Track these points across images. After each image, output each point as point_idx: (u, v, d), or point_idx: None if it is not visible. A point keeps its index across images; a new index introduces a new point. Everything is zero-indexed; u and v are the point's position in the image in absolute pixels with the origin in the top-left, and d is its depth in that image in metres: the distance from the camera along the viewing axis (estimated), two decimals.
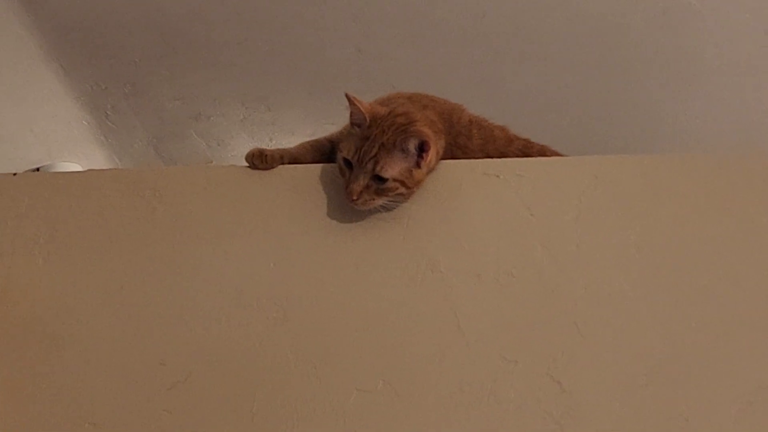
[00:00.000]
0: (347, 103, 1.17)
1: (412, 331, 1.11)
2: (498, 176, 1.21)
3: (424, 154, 1.11)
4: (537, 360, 1.12)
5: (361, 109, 1.12)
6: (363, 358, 1.10)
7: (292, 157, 1.23)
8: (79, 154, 2.84)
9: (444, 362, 1.10)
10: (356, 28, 2.39)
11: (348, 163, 1.08)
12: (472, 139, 1.28)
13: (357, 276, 1.16)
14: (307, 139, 1.38)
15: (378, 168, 1.08)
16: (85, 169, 2.64)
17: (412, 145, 1.10)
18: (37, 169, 2.78)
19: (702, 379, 1.14)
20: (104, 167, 2.88)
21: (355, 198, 1.08)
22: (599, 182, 1.32)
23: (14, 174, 1.45)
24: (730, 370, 1.16)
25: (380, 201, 1.10)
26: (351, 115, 1.18)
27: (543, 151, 1.37)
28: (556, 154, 1.40)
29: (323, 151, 1.25)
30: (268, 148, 1.25)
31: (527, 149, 1.36)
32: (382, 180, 1.08)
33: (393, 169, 1.09)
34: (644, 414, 1.11)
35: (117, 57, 2.55)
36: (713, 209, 1.31)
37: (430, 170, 1.12)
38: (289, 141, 2.04)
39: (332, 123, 1.78)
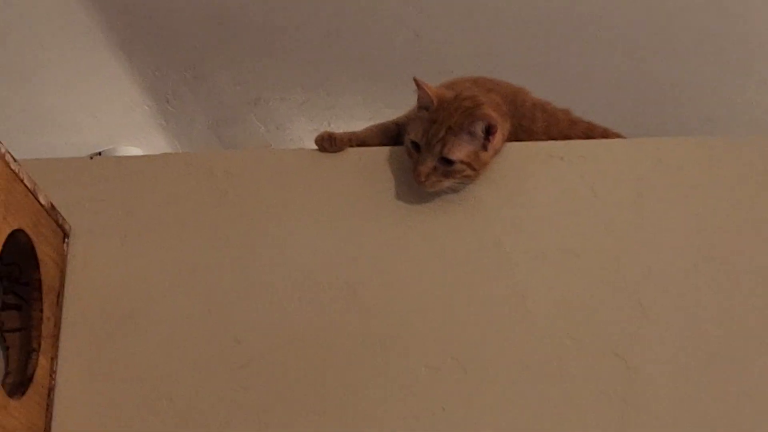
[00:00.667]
0: (413, 88, 1.20)
1: (479, 309, 1.13)
2: (562, 158, 1.22)
3: (490, 137, 1.13)
4: (602, 338, 1.14)
5: (429, 92, 1.14)
6: (431, 336, 1.12)
7: (360, 140, 1.26)
8: (140, 138, 2.92)
9: (510, 340, 1.12)
10: (414, 13, 2.37)
11: (416, 145, 1.11)
12: (536, 122, 1.29)
13: (424, 256, 1.19)
14: (366, 123, 1.41)
15: (446, 150, 1.11)
16: (146, 153, 2.86)
17: (479, 128, 1.13)
18: (99, 154, 2.90)
19: (764, 357, 1.14)
20: (165, 151, 2.93)
21: (423, 179, 1.11)
22: (662, 164, 1.32)
23: (91, 157, 1.50)
24: None
25: (447, 183, 1.13)
26: (419, 99, 1.21)
27: (606, 134, 1.38)
28: (618, 136, 1.39)
29: (390, 134, 1.28)
30: (337, 131, 1.28)
31: (590, 132, 1.36)
32: (449, 162, 1.11)
33: (460, 151, 1.12)
34: (707, 391, 1.12)
35: (178, 43, 2.59)
36: None
37: (496, 152, 1.14)
38: (348, 125, 2.06)
39: (391, 107, 1.81)
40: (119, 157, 1.73)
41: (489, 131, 1.11)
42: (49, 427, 1.15)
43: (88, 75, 2.70)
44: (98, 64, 2.64)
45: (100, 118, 2.85)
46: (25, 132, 2.89)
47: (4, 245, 1.00)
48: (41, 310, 1.13)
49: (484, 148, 1.12)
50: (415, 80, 1.20)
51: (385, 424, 1.10)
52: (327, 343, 1.14)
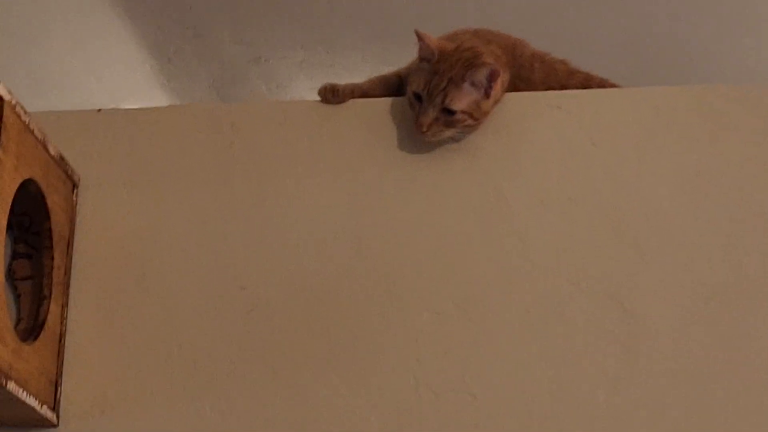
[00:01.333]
0: (412, 44, 1.22)
1: (481, 256, 1.17)
2: (560, 107, 1.25)
3: (492, 84, 1.15)
4: (600, 283, 1.16)
5: (431, 44, 1.17)
6: (434, 283, 1.15)
7: (362, 92, 1.29)
8: (142, 97, 2.91)
9: (511, 286, 1.15)
10: None
11: (418, 96, 1.14)
12: (534, 72, 1.32)
13: (427, 205, 1.21)
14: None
15: (447, 101, 1.13)
16: None
17: (480, 76, 1.15)
18: (101, 110, 3.11)
19: (763, 300, 1.17)
20: None
21: (425, 130, 1.14)
22: (659, 112, 1.36)
23: (98, 110, 1.53)
24: None
25: (449, 132, 1.16)
26: (420, 51, 1.23)
27: (602, 84, 1.41)
28: (615, 86, 1.43)
29: (392, 86, 1.31)
30: (340, 83, 1.31)
31: (587, 82, 1.38)
32: (451, 112, 1.14)
33: (461, 101, 1.15)
34: (706, 334, 1.15)
35: (179, 1, 2.61)
36: None
37: (496, 102, 1.16)
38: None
39: (389, 64, 1.85)
40: (127, 109, 1.63)
41: (490, 78, 1.13)
42: (61, 371, 1.19)
43: (90, 36, 2.73)
44: (100, 25, 2.68)
45: (102, 78, 2.87)
46: (30, 92, 2.94)
47: (16, 195, 1.03)
48: (52, 259, 1.16)
49: (486, 95, 1.14)
50: (416, 32, 1.22)
51: (390, 367, 1.13)
52: (333, 290, 1.17)
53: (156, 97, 3.00)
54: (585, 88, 1.36)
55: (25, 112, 1.06)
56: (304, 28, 2.71)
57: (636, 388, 1.18)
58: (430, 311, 1.15)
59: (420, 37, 1.20)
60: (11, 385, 0.99)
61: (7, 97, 1.03)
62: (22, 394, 1.03)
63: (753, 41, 2.71)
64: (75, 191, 1.26)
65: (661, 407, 1.20)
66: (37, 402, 1.08)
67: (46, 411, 1.11)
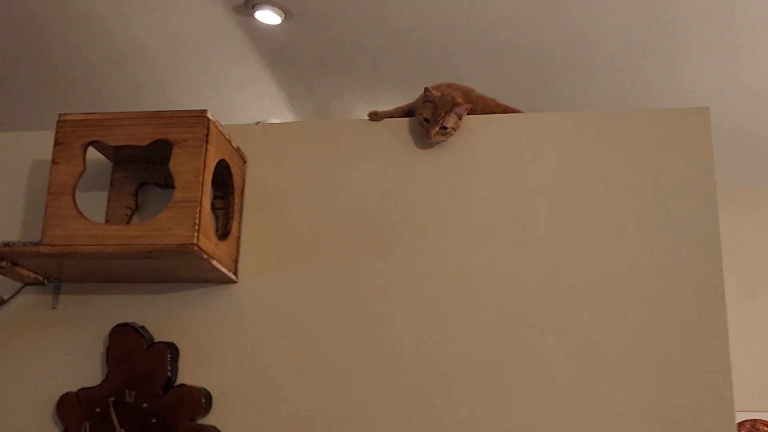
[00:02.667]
0: (420, 86, 1.86)
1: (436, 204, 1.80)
2: (486, 128, 1.90)
3: (463, 114, 1.79)
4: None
5: (434, 93, 1.79)
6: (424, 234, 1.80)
7: (390, 115, 1.96)
8: (278, 115, 3.95)
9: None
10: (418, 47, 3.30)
11: (426, 120, 1.78)
12: (478, 106, 1.91)
13: (428, 179, 1.87)
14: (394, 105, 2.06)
15: (443, 122, 1.76)
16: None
17: (460, 110, 1.77)
18: (257, 124, 3.72)
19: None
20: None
21: (432, 137, 1.77)
22: (549, 131, 1.95)
23: (257, 123, 2.29)
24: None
25: (442, 138, 1.80)
26: (426, 96, 1.85)
27: (514, 110, 2.01)
28: (517, 111, 2.03)
29: (406, 112, 1.95)
30: (379, 110, 2.00)
31: (505, 110, 2.01)
32: (444, 128, 1.77)
33: (449, 122, 1.76)
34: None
35: (302, 63, 3.58)
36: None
37: (461, 122, 1.83)
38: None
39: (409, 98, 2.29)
40: (273, 123, 2.36)
41: (463, 111, 1.80)
42: (238, 255, 1.85)
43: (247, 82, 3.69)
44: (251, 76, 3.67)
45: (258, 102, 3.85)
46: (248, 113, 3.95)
47: (216, 167, 1.69)
48: (233, 199, 1.85)
49: (459, 119, 1.78)
50: (426, 88, 1.86)
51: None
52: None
53: (285, 117, 3.98)
54: (503, 112, 1.99)
55: (219, 125, 1.71)
56: (369, 85, 3.55)
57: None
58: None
59: (428, 90, 1.84)
60: (214, 262, 1.62)
61: (211, 117, 1.66)
62: (219, 266, 1.66)
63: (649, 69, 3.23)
64: (245, 165, 1.91)
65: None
66: (226, 270, 1.71)
67: (231, 275, 1.75)
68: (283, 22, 3.24)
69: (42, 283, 1.93)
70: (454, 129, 1.83)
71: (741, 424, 4.09)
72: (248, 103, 3.93)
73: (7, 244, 1.72)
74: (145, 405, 1.79)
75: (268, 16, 3.25)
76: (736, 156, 4.07)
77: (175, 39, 3.35)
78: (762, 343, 4.32)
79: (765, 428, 4.11)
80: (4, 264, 1.74)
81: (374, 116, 2.00)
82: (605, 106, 3.58)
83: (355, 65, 3.61)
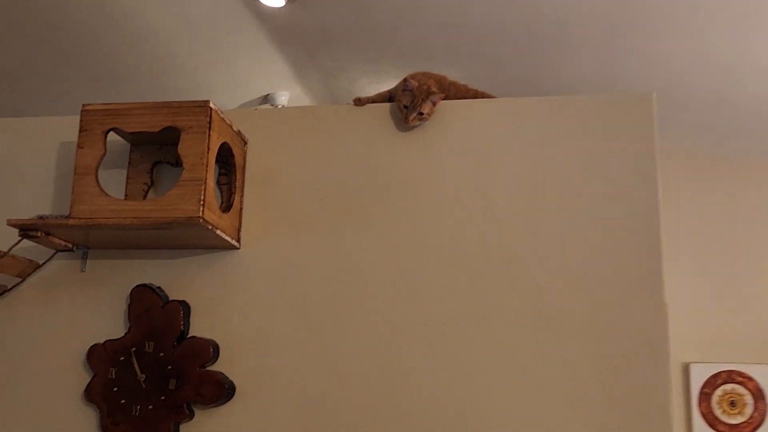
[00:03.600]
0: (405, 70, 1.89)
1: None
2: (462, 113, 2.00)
3: (437, 101, 1.90)
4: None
5: (412, 82, 1.89)
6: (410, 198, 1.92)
7: (372, 100, 2.06)
8: (286, 87, 4.08)
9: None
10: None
11: (405, 106, 1.88)
12: (450, 92, 2.03)
13: (407, 155, 1.99)
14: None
15: (421, 108, 1.87)
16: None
17: (435, 98, 1.88)
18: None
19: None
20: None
21: (410, 121, 1.88)
22: (514, 116, 2.07)
23: (255, 109, 2.40)
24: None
25: (419, 122, 1.90)
26: (405, 84, 1.95)
27: (485, 95, 2.11)
28: (487, 95, 2.13)
29: (387, 98, 2.06)
30: (362, 95, 2.10)
31: (476, 95, 2.12)
32: (421, 113, 1.87)
33: (426, 108, 1.87)
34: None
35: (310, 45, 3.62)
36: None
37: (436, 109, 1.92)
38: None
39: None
40: (269, 109, 2.45)
41: (437, 99, 1.90)
42: (240, 225, 1.96)
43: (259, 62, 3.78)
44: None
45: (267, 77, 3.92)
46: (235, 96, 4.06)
47: (219, 149, 1.81)
48: (236, 175, 1.97)
49: (434, 106, 1.88)
50: (406, 78, 1.95)
51: None
52: None
53: (293, 90, 4.07)
54: (476, 98, 2.09)
55: (221, 111, 1.82)
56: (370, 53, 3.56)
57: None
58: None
59: (407, 80, 1.94)
60: (218, 232, 1.74)
61: (213, 106, 1.76)
62: (223, 235, 1.78)
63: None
64: (246, 146, 2.02)
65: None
66: (230, 238, 1.83)
67: (234, 242, 1.87)
68: (287, 3, 3.33)
69: (71, 250, 2.08)
70: (429, 114, 1.96)
71: (717, 375, 4.11)
72: (259, 78, 4.03)
73: (41, 217, 1.85)
74: (162, 354, 1.93)
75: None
76: (712, 124, 4.06)
77: (187, 21, 3.42)
78: (737, 304, 4.25)
79: (740, 378, 4.10)
80: (38, 234, 1.86)
81: (358, 102, 2.12)
82: (588, 81, 3.64)
83: (357, 41, 3.69)
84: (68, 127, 2.13)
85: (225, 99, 4.09)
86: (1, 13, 3.26)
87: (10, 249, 1.99)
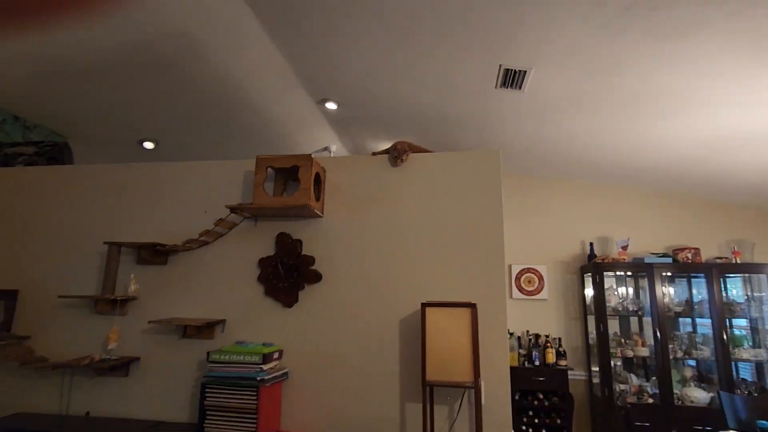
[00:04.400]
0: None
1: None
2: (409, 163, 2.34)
3: (407, 156, 2.18)
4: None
5: (398, 146, 2.16)
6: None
7: (379, 152, 2.29)
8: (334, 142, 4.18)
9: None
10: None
11: (394, 157, 2.17)
12: (413, 149, 2.24)
13: (389, 180, 2.32)
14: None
15: (401, 158, 2.14)
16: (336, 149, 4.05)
17: (406, 155, 2.16)
18: (326, 148, 4.08)
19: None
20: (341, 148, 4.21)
21: (397, 164, 2.14)
22: (444, 166, 2.31)
23: (329, 152, 2.82)
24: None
25: (401, 164, 2.15)
26: (394, 146, 2.16)
27: (421, 150, 2.26)
28: (426, 150, 2.26)
29: (386, 151, 2.26)
30: (375, 151, 2.32)
31: (423, 150, 2.26)
32: (402, 160, 2.13)
33: (404, 158, 2.15)
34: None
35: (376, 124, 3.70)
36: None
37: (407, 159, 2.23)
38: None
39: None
40: (332, 157, 2.61)
41: (408, 154, 2.20)
42: (323, 208, 2.29)
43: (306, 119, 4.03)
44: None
45: (325, 139, 4.07)
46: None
47: (315, 174, 2.21)
48: (322, 185, 2.30)
49: (406, 157, 2.19)
50: (394, 144, 2.18)
51: None
52: None
53: (340, 147, 4.21)
54: (421, 152, 2.25)
55: (314, 157, 2.19)
56: (378, 131, 3.83)
57: None
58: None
59: (395, 144, 2.19)
60: (315, 210, 2.12)
61: (313, 156, 2.11)
62: (317, 211, 2.15)
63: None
64: (325, 172, 2.32)
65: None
66: (319, 212, 2.19)
67: (320, 213, 2.23)
68: (338, 107, 3.60)
69: (251, 218, 2.43)
70: (404, 161, 2.30)
71: (522, 270, 4.46)
72: (322, 139, 4.10)
73: (235, 209, 2.23)
74: (291, 262, 2.35)
75: (331, 105, 3.54)
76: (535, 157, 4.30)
77: (291, 113, 3.56)
78: (531, 240, 4.63)
79: (531, 270, 4.43)
80: (237, 211, 2.26)
81: (373, 154, 2.34)
82: (469, 143, 3.80)
83: (370, 122, 3.79)
84: (243, 166, 2.53)
85: (307, 148, 4.23)
86: (187, 97, 3.10)
87: (226, 217, 2.40)
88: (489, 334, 2.09)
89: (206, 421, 1.99)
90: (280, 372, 2.18)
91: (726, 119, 2.77)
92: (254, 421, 1.96)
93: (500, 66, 2.62)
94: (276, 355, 2.20)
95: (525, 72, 2.67)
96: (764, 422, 2.63)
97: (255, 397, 1.98)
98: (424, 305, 1.96)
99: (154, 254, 2.44)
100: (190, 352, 2.32)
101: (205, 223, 2.45)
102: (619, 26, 2.05)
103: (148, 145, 3.91)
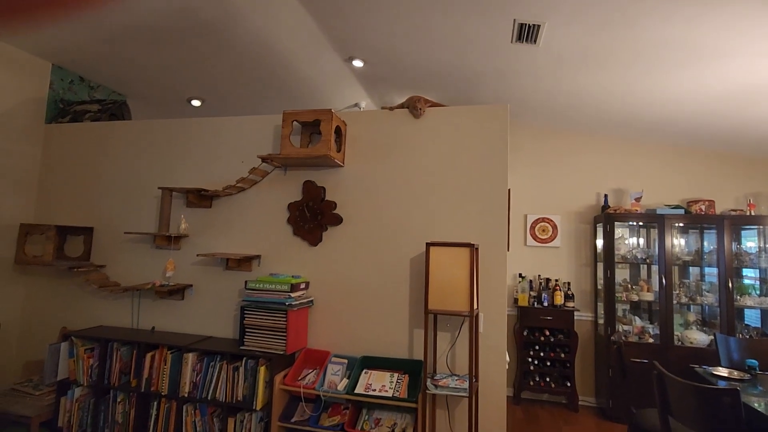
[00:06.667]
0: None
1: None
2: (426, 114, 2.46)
3: (424, 107, 2.18)
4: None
5: (415, 98, 2.15)
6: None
7: (397, 106, 2.28)
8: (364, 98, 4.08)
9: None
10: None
11: (414, 108, 2.16)
12: (428, 104, 2.26)
13: (407, 131, 2.35)
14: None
15: (419, 108, 2.15)
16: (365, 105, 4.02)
17: (424, 105, 2.17)
18: (356, 104, 4.04)
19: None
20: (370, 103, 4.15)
21: (417, 115, 2.14)
22: (454, 119, 2.25)
23: (359, 108, 2.77)
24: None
25: (419, 115, 2.14)
26: (411, 99, 2.19)
27: (435, 104, 2.27)
28: (441, 105, 2.25)
29: (404, 105, 2.24)
30: (392, 105, 2.27)
31: (435, 105, 2.26)
32: (420, 110, 2.13)
33: (422, 107, 2.16)
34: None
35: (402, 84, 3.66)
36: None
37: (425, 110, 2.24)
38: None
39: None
40: (356, 111, 2.49)
41: (426, 105, 2.17)
42: (344, 158, 2.31)
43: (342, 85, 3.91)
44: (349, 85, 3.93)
45: (356, 95, 4.02)
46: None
47: (336, 127, 2.25)
48: (343, 137, 2.33)
49: (423, 109, 2.19)
50: (411, 97, 2.21)
51: None
52: None
53: (369, 101, 4.12)
54: (435, 106, 2.27)
55: (336, 112, 2.20)
56: (407, 88, 3.68)
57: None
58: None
59: (412, 97, 2.19)
60: (336, 160, 2.18)
61: (334, 111, 2.30)
62: (338, 161, 2.19)
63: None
64: (346, 126, 2.34)
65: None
66: (340, 162, 2.24)
67: (341, 164, 2.27)
68: (364, 65, 3.46)
69: (281, 167, 2.56)
70: (422, 111, 2.32)
71: (538, 219, 4.35)
72: (353, 95, 4.02)
73: (266, 159, 2.33)
74: (315, 206, 2.46)
75: (358, 63, 3.38)
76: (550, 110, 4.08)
77: (322, 71, 3.51)
78: (544, 191, 4.48)
79: (545, 220, 4.32)
80: (269, 160, 2.36)
81: (390, 108, 2.40)
82: (488, 98, 3.67)
83: (394, 78, 3.62)
84: (276, 120, 2.60)
85: (338, 105, 4.18)
86: (228, 58, 3.11)
87: (258, 166, 2.52)
88: (490, 272, 2.17)
89: (245, 337, 2.22)
90: (307, 300, 2.36)
91: (738, 72, 2.59)
92: (284, 338, 2.17)
93: (515, 20, 2.51)
94: (303, 286, 2.38)
95: (539, 26, 2.55)
96: (753, 360, 2.63)
97: (284, 319, 2.18)
98: (428, 244, 2.05)
99: (200, 198, 2.60)
100: (233, 281, 2.52)
101: (243, 171, 2.58)
102: None
103: (196, 102, 4.03)
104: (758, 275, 3.88)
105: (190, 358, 2.21)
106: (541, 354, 3.95)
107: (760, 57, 2.43)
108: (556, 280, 4.18)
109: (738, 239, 3.89)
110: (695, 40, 2.37)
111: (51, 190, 2.88)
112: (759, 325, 3.79)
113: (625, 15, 2.24)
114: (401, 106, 2.38)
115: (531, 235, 4.33)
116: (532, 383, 3.90)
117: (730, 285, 3.59)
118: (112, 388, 2.26)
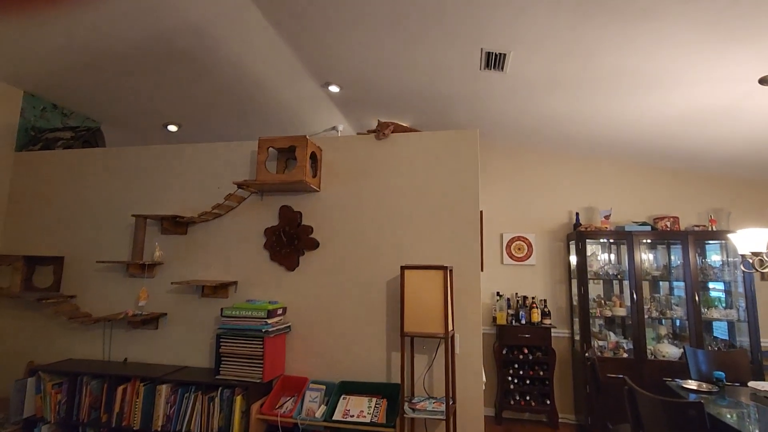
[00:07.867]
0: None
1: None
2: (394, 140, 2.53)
3: (389, 132, 2.23)
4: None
5: (382, 124, 2.20)
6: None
7: (367, 131, 2.37)
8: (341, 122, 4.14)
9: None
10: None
11: (379, 132, 2.23)
12: (397, 129, 2.31)
13: (376, 154, 2.47)
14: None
15: (384, 132, 2.19)
16: (344, 130, 4.05)
17: (388, 131, 2.22)
18: (334, 128, 4.05)
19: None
20: (346, 128, 4.18)
21: (379, 138, 2.18)
22: (423, 143, 2.30)
23: (337, 132, 2.81)
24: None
25: (383, 138, 2.20)
26: (379, 125, 2.22)
27: (406, 130, 2.32)
28: (413, 129, 2.31)
29: (373, 129, 2.32)
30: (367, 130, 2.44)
31: (405, 129, 2.30)
32: (384, 135, 2.19)
33: (386, 132, 2.21)
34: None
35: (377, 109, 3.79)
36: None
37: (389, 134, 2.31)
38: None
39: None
40: (330, 137, 2.54)
41: (389, 130, 2.26)
42: (320, 183, 2.33)
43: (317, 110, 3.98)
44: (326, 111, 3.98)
45: (332, 119, 4.08)
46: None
47: (311, 153, 2.28)
48: (318, 163, 2.41)
49: (388, 133, 2.25)
50: (378, 121, 2.22)
51: None
52: None
53: (347, 126, 4.16)
54: (407, 131, 2.33)
55: (311, 138, 2.25)
56: (378, 111, 3.83)
57: None
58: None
59: (379, 122, 2.23)
60: (312, 185, 2.20)
61: (309, 138, 2.26)
62: (314, 186, 2.21)
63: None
64: (321, 151, 2.35)
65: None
66: (316, 187, 2.24)
67: (317, 189, 2.28)
68: (341, 90, 3.51)
69: (257, 193, 2.57)
70: (386, 135, 2.36)
71: (513, 238, 4.40)
72: (329, 119, 4.07)
73: (241, 185, 2.32)
74: (292, 231, 2.47)
75: (334, 88, 3.42)
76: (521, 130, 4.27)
77: (298, 96, 3.55)
78: (520, 210, 4.60)
79: (521, 239, 4.39)
80: (245, 186, 2.35)
81: (364, 132, 2.47)
82: (459, 123, 3.76)
83: (369, 104, 3.70)
84: (251, 146, 2.61)
85: (317, 128, 4.21)
86: (205, 84, 3.13)
87: (234, 192, 2.50)
88: (464, 293, 2.19)
89: (221, 366, 2.18)
90: (284, 325, 2.34)
91: (696, 96, 2.73)
92: (261, 365, 2.13)
93: (482, 49, 2.62)
94: (279, 311, 2.35)
95: (505, 55, 2.66)
96: (720, 373, 2.71)
97: (261, 346, 2.15)
98: (403, 268, 2.07)
99: (175, 225, 2.58)
100: (208, 308, 2.50)
101: (219, 198, 2.58)
102: (587, 10, 2.05)
103: (172, 128, 4.02)
104: (723, 288, 4.00)
105: (164, 389, 2.16)
106: (521, 372, 3.97)
107: (712, 83, 2.56)
108: (533, 298, 4.23)
109: (703, 253, 4.02)
110: (653, 69, 2.49)
111: (19, 219, 2.83)
112: (727, 337, 3.89)
113: (583, 46, 2.35)
114: (374, 130, 2.43)
115: (507, 253, 4.38)
116: (512, 402, 3.90)
117: (697, 298, 3.69)
118: (81, 425, 2.20)
